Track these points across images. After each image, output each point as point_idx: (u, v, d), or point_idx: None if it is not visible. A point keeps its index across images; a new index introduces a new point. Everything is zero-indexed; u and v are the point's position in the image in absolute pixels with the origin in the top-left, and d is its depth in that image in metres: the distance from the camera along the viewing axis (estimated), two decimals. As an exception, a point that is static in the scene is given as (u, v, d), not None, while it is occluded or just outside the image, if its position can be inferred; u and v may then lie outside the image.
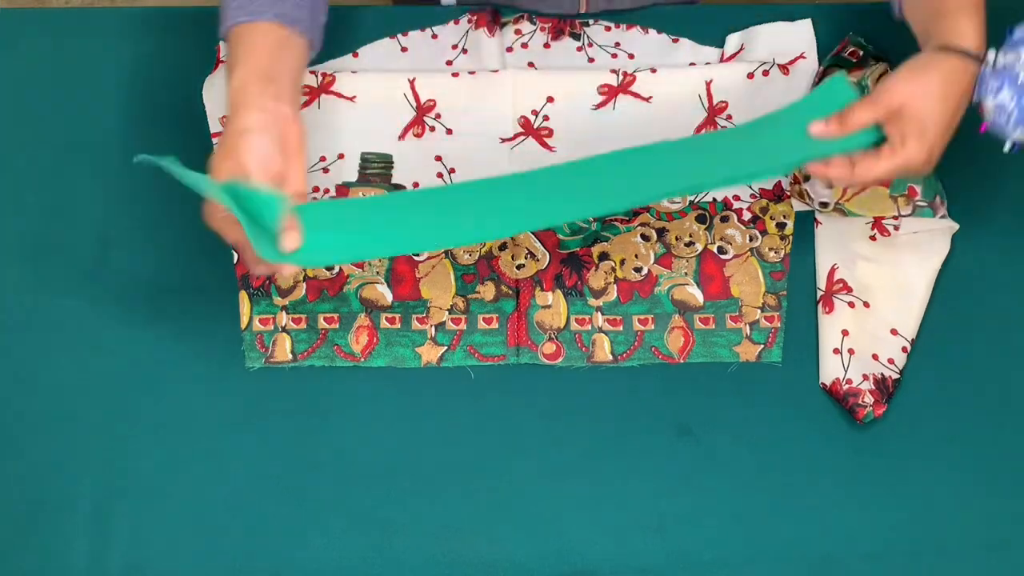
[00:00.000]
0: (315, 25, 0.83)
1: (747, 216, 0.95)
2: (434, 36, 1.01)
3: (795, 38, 1.00)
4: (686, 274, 0.93)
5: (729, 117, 0.97)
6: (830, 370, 0.88)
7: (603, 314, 0.92)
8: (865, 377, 0.88)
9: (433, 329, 0.91)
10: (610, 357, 0.90)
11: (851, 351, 0.89)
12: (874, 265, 0.92)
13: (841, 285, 0.91)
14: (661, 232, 0.94)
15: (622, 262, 0.93)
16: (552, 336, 0.91)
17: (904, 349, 0.89)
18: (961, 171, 0.96)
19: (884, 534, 0.85)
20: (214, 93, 0.96)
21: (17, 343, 0.88)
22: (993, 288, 0.93)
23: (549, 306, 0.92)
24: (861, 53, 0.98)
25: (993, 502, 0.86)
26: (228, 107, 0.76)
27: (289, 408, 0.87)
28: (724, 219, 0.95)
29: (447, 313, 0.91)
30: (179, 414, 0.86)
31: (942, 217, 0.93)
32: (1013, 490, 0.87)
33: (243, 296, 0.91)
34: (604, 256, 0.94)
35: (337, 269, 0.92)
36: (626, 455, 0.86)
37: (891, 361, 0.88)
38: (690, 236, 0.94)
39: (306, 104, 0.96)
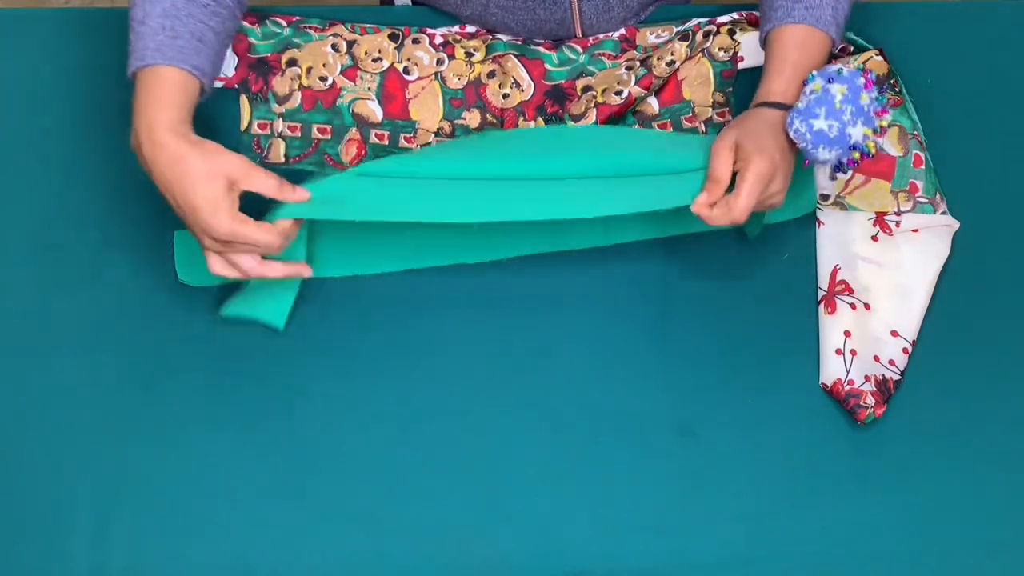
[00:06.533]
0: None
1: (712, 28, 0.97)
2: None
3: None
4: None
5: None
6: (832, 371, 0.88)
7: None
8: (867, 378, 0.87)
9: (419, 149, 0.93)
10: None
11: (853, 352, 0.89)
12: (875, 267, 0.92)
13: (843, 286, 0.91)
14: (645, 60, 0.96)
15: (604, 91, 0.95)
16: None
17: (905, 350, 0.89)
18: (961, 171, 0.96)
19: (884, 534, 0.85)
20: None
21: (17, 343, 0.88)
22: (993, 288, 0.93)
23: None
24: (852, 49, 0.98)
25: (993, 502, 0.86)
26: (159, 159, 0.77)
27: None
28: (706, 34, 0.97)
29: (433, 135, 0.94)
30: (179, 414, 0.86)
31: (943, 213, 0.93)
32: (1013, 490, 0.87)
33: (243, 100, 0.95)
34: (587, 88, 0.95)
35: (331, 81, 0.95)
36: (626, 455, 0.86)
37: (892, 362, 0.88)
38: (672, 55, 0.96)
39: None
